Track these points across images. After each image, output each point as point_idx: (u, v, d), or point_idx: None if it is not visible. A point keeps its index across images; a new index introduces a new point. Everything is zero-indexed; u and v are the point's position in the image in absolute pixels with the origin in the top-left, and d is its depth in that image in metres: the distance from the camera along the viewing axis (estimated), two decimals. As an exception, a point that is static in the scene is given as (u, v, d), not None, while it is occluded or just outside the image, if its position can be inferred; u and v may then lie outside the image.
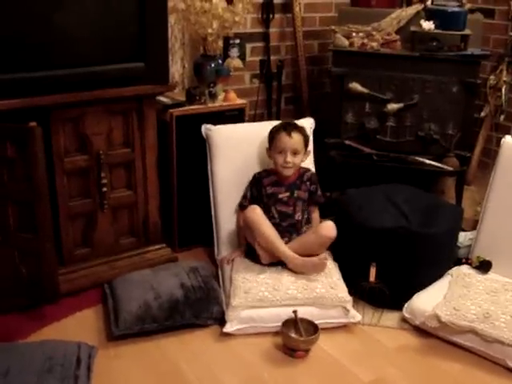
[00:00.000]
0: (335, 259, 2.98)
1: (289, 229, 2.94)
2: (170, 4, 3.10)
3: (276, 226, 2.88)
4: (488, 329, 2.46)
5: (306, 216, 3.02)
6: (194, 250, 3.31)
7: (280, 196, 2.96)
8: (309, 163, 3.17)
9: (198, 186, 3.19)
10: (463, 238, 3.13)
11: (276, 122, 3.08)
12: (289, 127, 2.93)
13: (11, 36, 2.44)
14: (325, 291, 2.67)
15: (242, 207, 3.01)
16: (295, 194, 2.97)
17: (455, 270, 2.91)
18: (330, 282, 2.75)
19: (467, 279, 2.81)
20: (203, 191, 3.15)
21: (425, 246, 2.76)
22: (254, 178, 3.04)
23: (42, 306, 2.72)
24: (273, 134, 2.96)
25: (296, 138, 2.91)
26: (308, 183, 3.01)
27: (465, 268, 2.93)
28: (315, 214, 3.10)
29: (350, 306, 2.66)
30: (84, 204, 2.87)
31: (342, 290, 2.70)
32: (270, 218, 2.90)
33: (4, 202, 2.55)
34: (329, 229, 2.88)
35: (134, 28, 2.70)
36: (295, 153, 2.91)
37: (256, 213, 2.84)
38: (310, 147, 3.11)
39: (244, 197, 3.04)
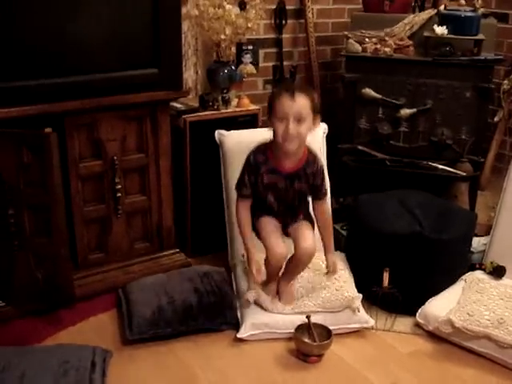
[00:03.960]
0: (349, 264, 2.98)
1: (285, 212, 2.61)
2: (184, 10, 3.12)
3: (271, 211, 2.59)
4: (502, 334, 2.46)
5: (306, 206, 2.67)
6: (208, 255, 3.31)
7: (279, 185, 2.53)
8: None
9: (212, 191, 3.19)
10: (477, 243, 3.12)
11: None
12: (291, 88, 2.40)
13: (27, 43, 2.47)
14: (334, 297, 2.68)
15: (245, 197, 2.58)
16: (295, 186, 2.54)
17: (469, 275, 2.90)
18: (337, 285, 2.75)
19: (481, 284, 2.80)
20: (217, 196, 3.15)
21: (438, 252, 2.76)
22: (248, 163, 2.55)
23: (57, 310, 2.74)
24: (273, 97, 2.45)
25: (301, 101, 2.37)
26: (311, 177, 2.54)
27: (478, 273, 2.93)
28: (322, 214, 2.66)
29: (361, 309, 2.65)
30: (98, 209, 2.89)
31: (349, 290, 2.72)
32: (266, 204, 2.57)
33: (20, 206, 2.57)
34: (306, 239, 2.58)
35: (147, 34, 2.72)
36: (299, 120, 2.38)
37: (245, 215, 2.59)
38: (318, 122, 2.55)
39: (243, 184, 2.56)
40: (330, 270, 2.66)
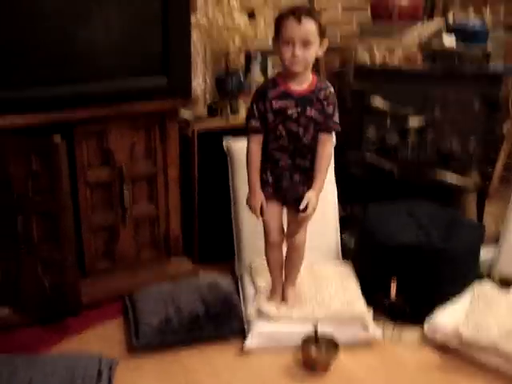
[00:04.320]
0: (356, 274, 2.98)
1: (295, 153, 2.51)
2: (193, 19, 3.13)
3: (283, 147, 2.50)
4: (511, 346, 2.44)
5: (315, 148, 2.53)
6: (215, 264, 3.29)
7: (289, 112, 2.44)
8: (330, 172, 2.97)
9: (219, 200, 3.20)
10: (485, 253, 3.10)
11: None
12: (298, 11, 2.35)
13: (36, 51, 2.50)
14: (341, 307, 2.67)
15: (254, 130, 2.50)
16: (307, 112, 2.45)
17: (477, 286, 2.88)
18: (347, 296, 2.74)
19: (489, 296, 2.79)
20: (224, 205, 3.16)
21: (446, 262, 2.75)
22: (257, 92, 2.53)
23: (63, 317, 2.74)
24: (279, 21, 2.40)
25: (307, 24, 2.33)
26: (325, 102, 2.47)
27: (487, 284, 2.91)
28: (324, 147, 2.52)
29: (368, 319, 2.64)
30: (106, 217, 2.91)
31: (359, 305, 2.70)
32: (277, 137, 2.48)
33: (28, 213, 2.59)
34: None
35: (157, 42, 2.74)
36: (306, 44, 2.35)
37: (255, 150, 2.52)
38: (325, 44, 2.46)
39: (252, 116, 2.49)
40: (303, 206, 2.50)
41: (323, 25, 2.41)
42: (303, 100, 2.45)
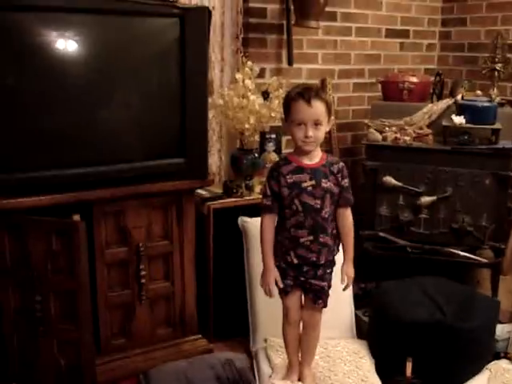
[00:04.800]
0: (371, 353, 2.96)
1: (314, 228, 2.50)
2: (209, 100, 3.24)
3: (300, 223, 2.49)
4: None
5: (334, 219, 2.56)
6: (230, 341, 3.30)
7: (304, 185, 2.46)
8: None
9: (234, 277, 3.22)
10: (501, 330, 3.08)
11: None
12: (307, 93, 2.40)
13: (56, 132, 2.56)
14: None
15: (266, 208, 2.53)
16: (322, 184, 2.47)
17: (493, 364, 2.86)
18: (361, 375, 2.74)
19: (507, 375, 2.77)
20: (239, 282, 3.17)
21: (461, 340, 2.74)
22: (270, 170, 2.56)
23: (79, 397, 2.74)
24: (288, 103, 2.45)
25: (318, 106, 2.40)
26: (339, 176, 2.51)
27: (504, 362, 2.89)
28: (347, 220, 2.58)
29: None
30: (123, 295, 2.92)
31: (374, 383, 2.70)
32: (294, 213, 2.48)
33: (47, 293, 2.62)
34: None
35: (175, 125, 2.82)
36: (317, 124, 2.42)
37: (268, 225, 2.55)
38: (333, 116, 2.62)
39: (265, 194, 2.53)
40: (344, 281, 2.61)
41: (329, 103, 2.48)
42: (317, 172, 2.48)
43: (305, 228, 2.49)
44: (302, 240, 2.51)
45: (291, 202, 2.48)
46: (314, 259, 2.52)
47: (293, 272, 2.57)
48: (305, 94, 2.40)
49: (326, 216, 2.49)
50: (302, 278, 2.57)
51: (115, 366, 2.93)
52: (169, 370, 2.82)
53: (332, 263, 2.62)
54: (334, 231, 2.57)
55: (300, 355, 2.74)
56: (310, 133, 2.40)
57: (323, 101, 2.42)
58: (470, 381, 2.75)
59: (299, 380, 2.71)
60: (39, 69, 2.48)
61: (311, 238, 2.50)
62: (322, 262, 2.54)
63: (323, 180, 2.47)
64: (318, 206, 2.47)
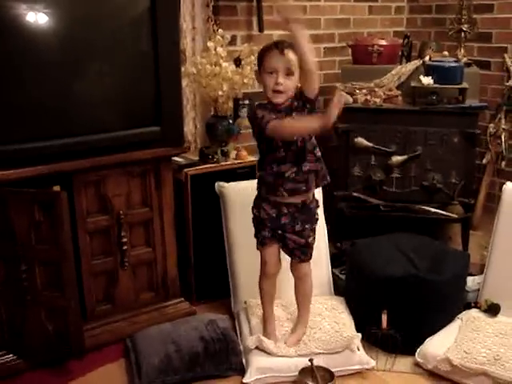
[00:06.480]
0: (348, 307, 3.07)
1: (294, 157, 2.57)
2: (182, 69, 3.26)
3: (282, 159, 2.56)
4: (499, 371, 2.52)
5: (312, 147, 2.62)
6: (212, 302, 3.37)
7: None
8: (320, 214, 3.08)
9: (213, 241, 3.29)
10: (471, 282, 3.19)
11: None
12: (281, 44, 2.50)
13: (34, 105, 2.59)
14: (330, 336, 2.78)
15: (270, 121, 2.48)
16: (293, 114, 2.53)
17: (465, 314, 2.97)
18: (336, 328, 2.85)
19: (476, 323, 2.87)
20: (218, 245, 3.24)
21: (434, 292, 2.83)
22: (256, 106, 2.63)
23: (67, 361, 2.79)
24: (262, 54, 2.55)
25: (290, 55, 2.47)
26: (307, 104, 2.53)
27: (474, 312, 2.99)
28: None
29: (357, 343, 2.73)
30: (105, 262, 2.97)
31: (347, 331, 2.81)
32: (274, 150, 2.56)
33: (32, 262, 2.66)
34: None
35: (150, 95, 2.85)
36: (288, 73, 2.48)
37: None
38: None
39: (263, 117, 2.50)
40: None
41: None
42: (288, 108, 2.53)
43: (285, 160, 2.56)
44: (286, 174, 2.58)
45: (271, 141, 2.54)
46: (304, 188, 2.60)
47: (270, 223, 2.66)
48: (278, 44, 2.50)
49: (303, 143, 2.56)
50: (280, 231, 2.67)
51: (101, 331, 2.99)
52: (154, 333, 2.89)
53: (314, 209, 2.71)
54: (318, 154, 2.64)
55: (297, 312, 2.86)
56: (281, 79, 2.47)
57: (295, 53, 2.46)
58: (443, 329, 2.86)
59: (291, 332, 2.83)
60: (12, 43, 2.48)
61: (295, 169, 2.58)
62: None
63: (294, 113, 2.52)
64: (295, 138, 2.54)
